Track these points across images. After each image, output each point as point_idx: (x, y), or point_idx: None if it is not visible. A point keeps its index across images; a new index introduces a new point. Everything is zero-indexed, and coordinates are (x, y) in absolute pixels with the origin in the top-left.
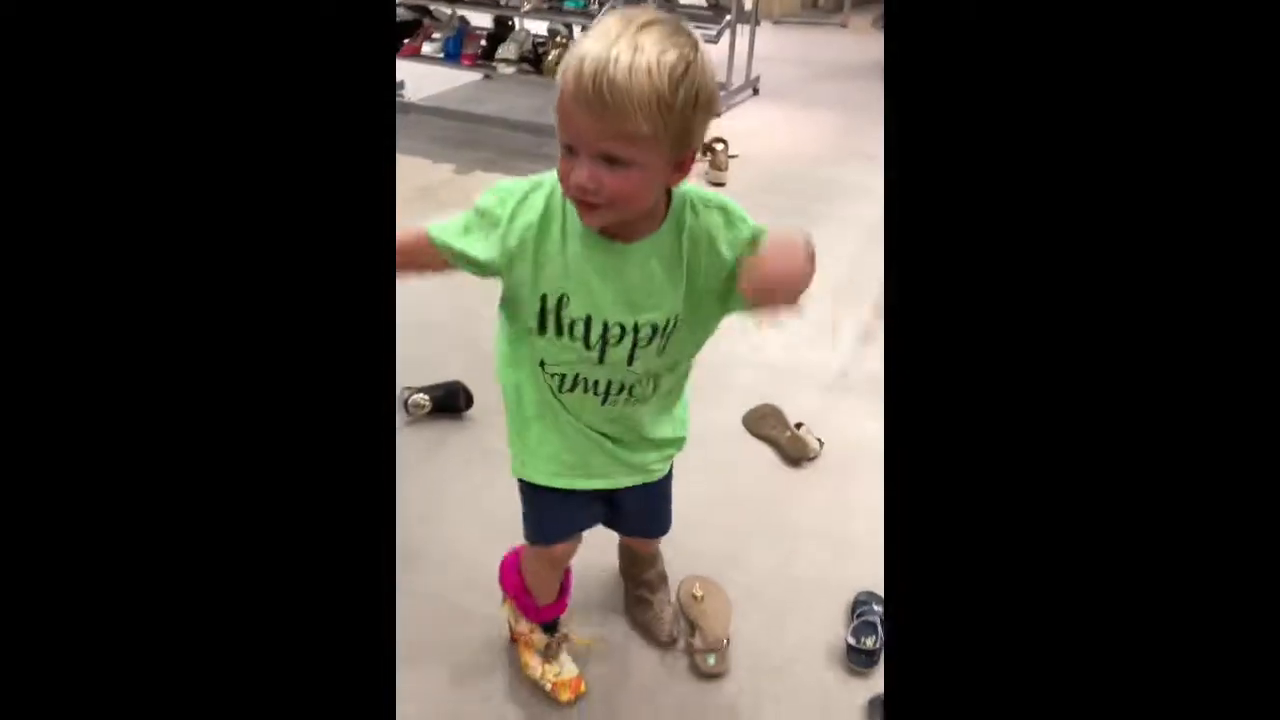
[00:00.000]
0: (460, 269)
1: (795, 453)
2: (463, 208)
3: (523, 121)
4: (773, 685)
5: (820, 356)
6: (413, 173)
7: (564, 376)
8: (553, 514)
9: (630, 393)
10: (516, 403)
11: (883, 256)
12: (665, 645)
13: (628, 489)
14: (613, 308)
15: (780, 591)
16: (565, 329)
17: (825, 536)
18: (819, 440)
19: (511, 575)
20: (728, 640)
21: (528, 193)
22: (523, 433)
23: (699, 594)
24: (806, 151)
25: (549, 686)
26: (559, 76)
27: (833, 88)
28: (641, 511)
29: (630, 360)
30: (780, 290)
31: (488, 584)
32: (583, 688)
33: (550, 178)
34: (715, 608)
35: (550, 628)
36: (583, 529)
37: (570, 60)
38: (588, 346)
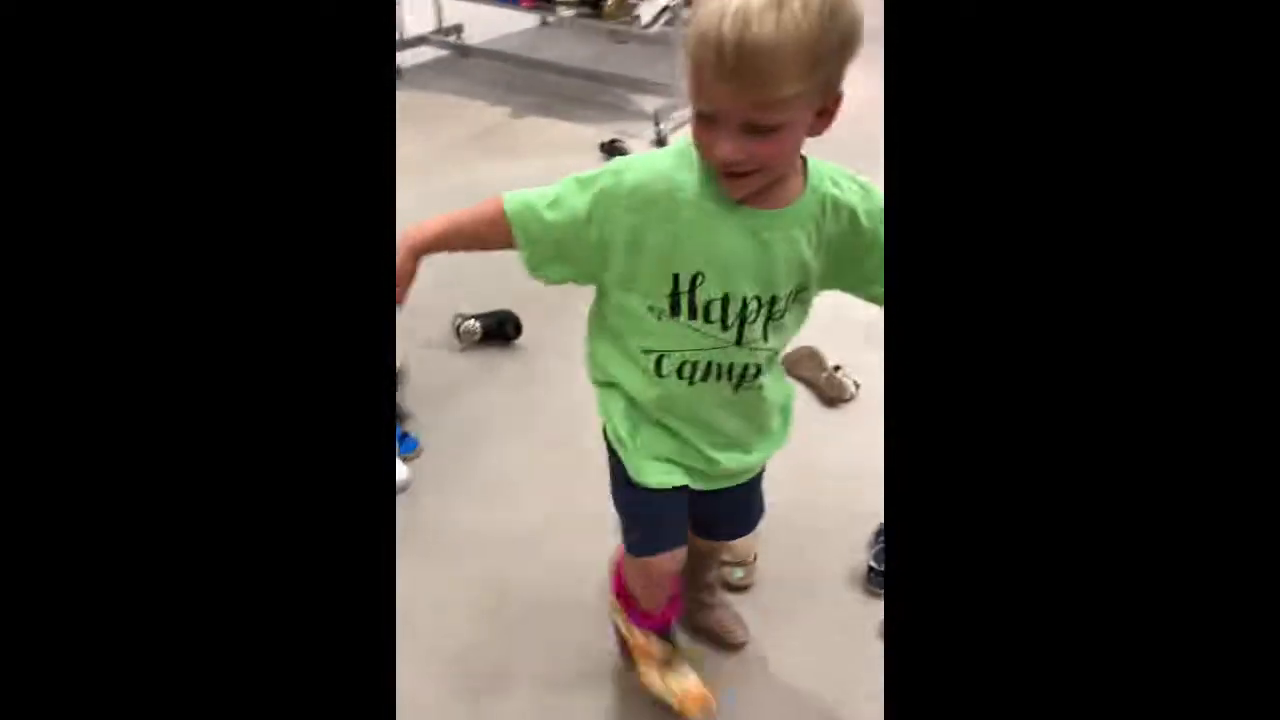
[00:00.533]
0: (530, 256)
1: (832, 393)
2: (517, 150)
3: (579, 69)
4: (794, 602)
5: (858, 303)
6: (470, 114)
7: (695, 365)
8: (661, 520)
9: (760, 374)
10: (626, 408)
11: None
12: (742, 644)
13: (725, 490)
14: (750, 282)
15: (809, 520)
16: (700, 311)
17: (856, 472)
18: (855, 382)
19: (619, 581)
20: (755, 555)
21: (660, 164)
22: (635, 436)
23: None
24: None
25: (674, 702)
26: (690, 31)
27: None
28: (736, 511)
29: (765, 335)
30: None
31: (532, 503)
32: (713, 704)
33: (676, 145)
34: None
35: (665, 635)
36: (685, 537)
37: (702, 19)
38: (724, 327)
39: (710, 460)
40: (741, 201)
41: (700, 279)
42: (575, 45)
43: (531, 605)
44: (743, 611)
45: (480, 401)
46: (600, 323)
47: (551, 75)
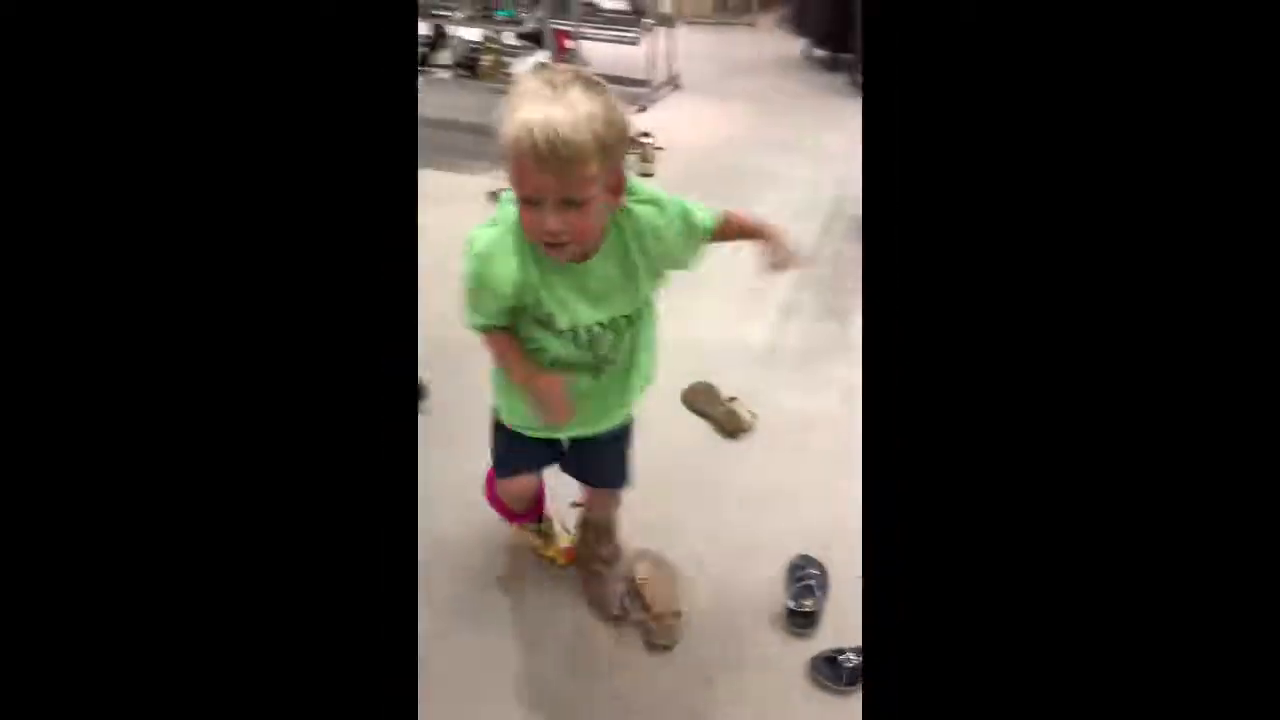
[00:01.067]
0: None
1: (730, 426)
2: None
3: (460, 122)
4: (719, 652)
5: (749, 333)
6: None
7: (559, 361)
8: (514, 451)
9: (616, 362)
10: (506, 382)
11: (803, 236)
12: (615, 619)
13: (588, 441)
14: (589, 313)
15: (721, 559)
16: (558, 335)
17: (760, 504)
18: (751, 413)
19: (491, 490)
20: (677, 613)
21: (492, 253)
22: (505, 384)
23: (644, 575)
24: (727, 141)
25: (550, 555)
26: (510, 144)
27: (746, 82)
28: (594, 461)
29: (615, 346)
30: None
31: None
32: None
33: (504, 222)
34: (663, 583)
35: (538, 521)
36: (539, 467)
37: (516, 132)
38: (577, 346)
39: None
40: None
41: (552, 317)
42: (454, 98)
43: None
44: (672, 669)
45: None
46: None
47: (440, 131)
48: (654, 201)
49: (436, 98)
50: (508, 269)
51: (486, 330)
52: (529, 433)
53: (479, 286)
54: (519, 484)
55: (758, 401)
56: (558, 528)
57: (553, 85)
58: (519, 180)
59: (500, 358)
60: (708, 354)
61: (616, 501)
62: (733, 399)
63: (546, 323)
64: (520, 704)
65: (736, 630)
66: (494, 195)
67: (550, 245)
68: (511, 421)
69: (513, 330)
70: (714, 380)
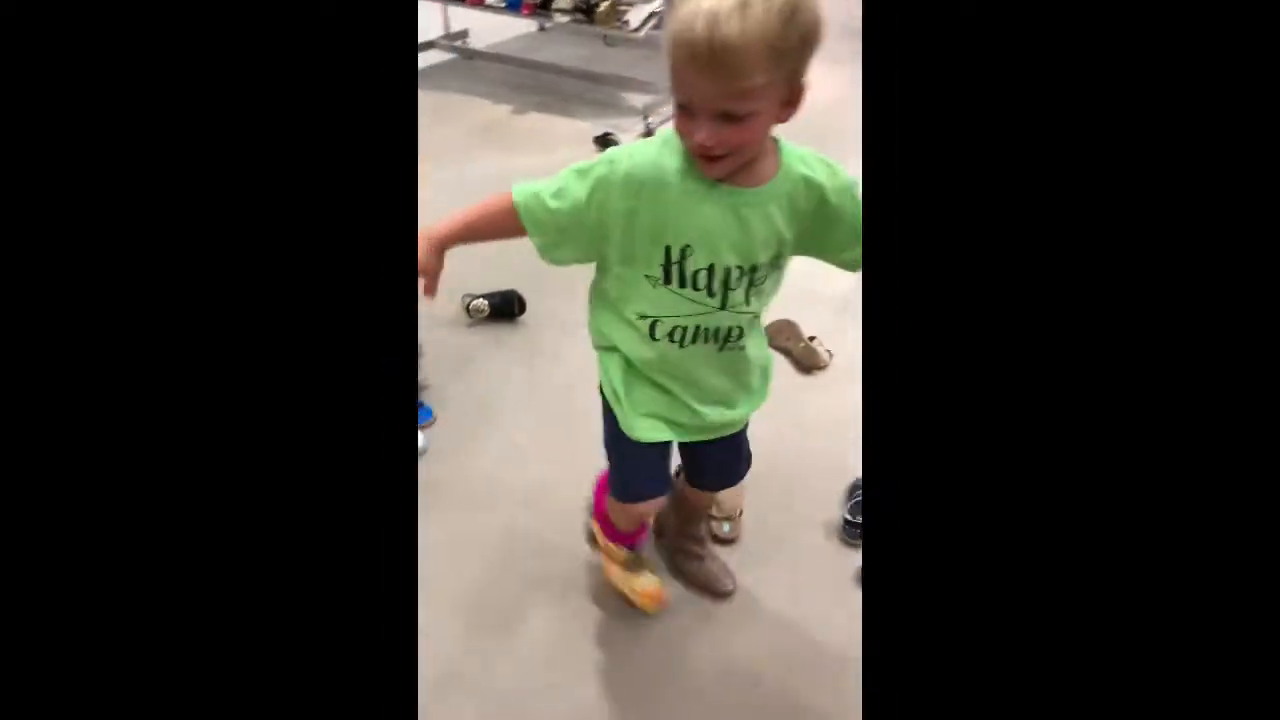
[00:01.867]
0: (540, 238)
1: (807, 361)
2: (518, 143)
3: (574, 69)
4: (777, 552)
5: (831, 280)
6: (475, 111)
7: (684, 330)
8: (641, 473)
9: (742, 336)
10: (624, 369)
11: None
12: (729, 592)
13: (711, 442)
14: (732, 253)
15: (787, 475)
16: (689, 280)
17: (830, 433)
18: (829, 352)
19: (600, 500)
20: (740, 510)
21: (635, 151)
22: (629, 395)
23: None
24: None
25: (635, 597)
26: (668, 33)
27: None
28: (724, 461)
29: (747, 300)
30: None
31: (537, 469)
32: (666, 599)
33: (661, 134)
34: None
35: (632, 549)
36: (666, 490)
37: (677, 22)
38: (710, 294)
39: (696, 413)
40: (720, 181)
41: (689, 250)
42: (571, 48)
43: (536, 551)
44: (730, 560)
45: (489, 373)
46: (601, 294)
47: (549, 75)
48: (825, 163)
49: (553, 45)
50: (656, 167)
51: (548, 254)
52: (661, 437)
53: (608, 172)
54: (643, 509)
55: (836, 343)
56: (647, 569)
57: None
58: (674, 80)
59: (476, 212)
60: (792, 298)
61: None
62: (812, 338)
63: (678, 264)
64: (561, 601)
65: (795, 534)
66: (600, 140)
67: (702, 157)
68: (635, 428)
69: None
70: (797, 321)
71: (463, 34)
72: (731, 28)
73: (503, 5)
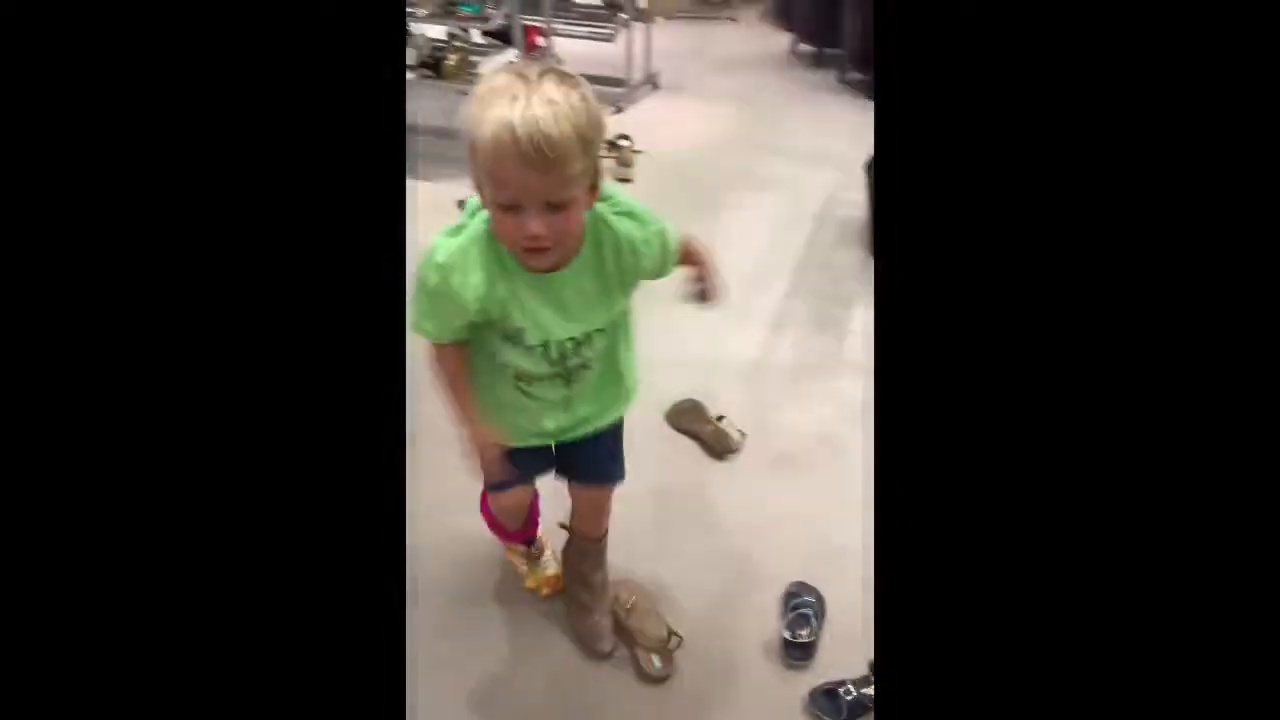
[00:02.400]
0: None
1: (719, 446)
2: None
3: (426, 126)
4: (715, 686)
5: (738, 347)
6: None
7: (531, 375)
8: (502, 464)
9: (586, 367)
10: (481, 386)
11: (792, 244)
12: (605, 654)
13: (577, 443)
14: (562, 328)
15: (713, 586)
16: (528, 350)
17: (751, 529)
18: (740, 432)
19: (485, 506)
20: (669, 639)
21: (459, 258)
22: (483, 403)
23: (629, 603)
24: (709, 143)
25: (531, 583)
26: (486, 145)
27: (728, 80)
28: (591, 456)
29: (586, 361)
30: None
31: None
32: (561, 586)
33: (471, 231)
34: (648, 611)
35: (528, 542)
36: (531, 479)
37: (495, 128)
38: (548, 362)
39: (547, 426)
40: (533, 268)
41: (521, 333)
42: (420, 101)
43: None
44: (664, 704)
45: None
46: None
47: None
48: (632, 214)
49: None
50: (474, 281)
51: (439, 343)
52: (516, 444)
53: (441, 296)
54: (512, 497)
55: (748, 419)
56: (547, 554)
57: (525, 80)
58: (499, 184)
59: (448, 384)
60: (695, 371)
61: (606, 509)
62: (720, 417)
63: (515, 338)
64: None
65: (730, 662)
66: (462, 204)
67: (530, 250)
68: (501, 439)
69: (466, 345)
70: (703, 398)
71: None
72: (550, 126)
73: None
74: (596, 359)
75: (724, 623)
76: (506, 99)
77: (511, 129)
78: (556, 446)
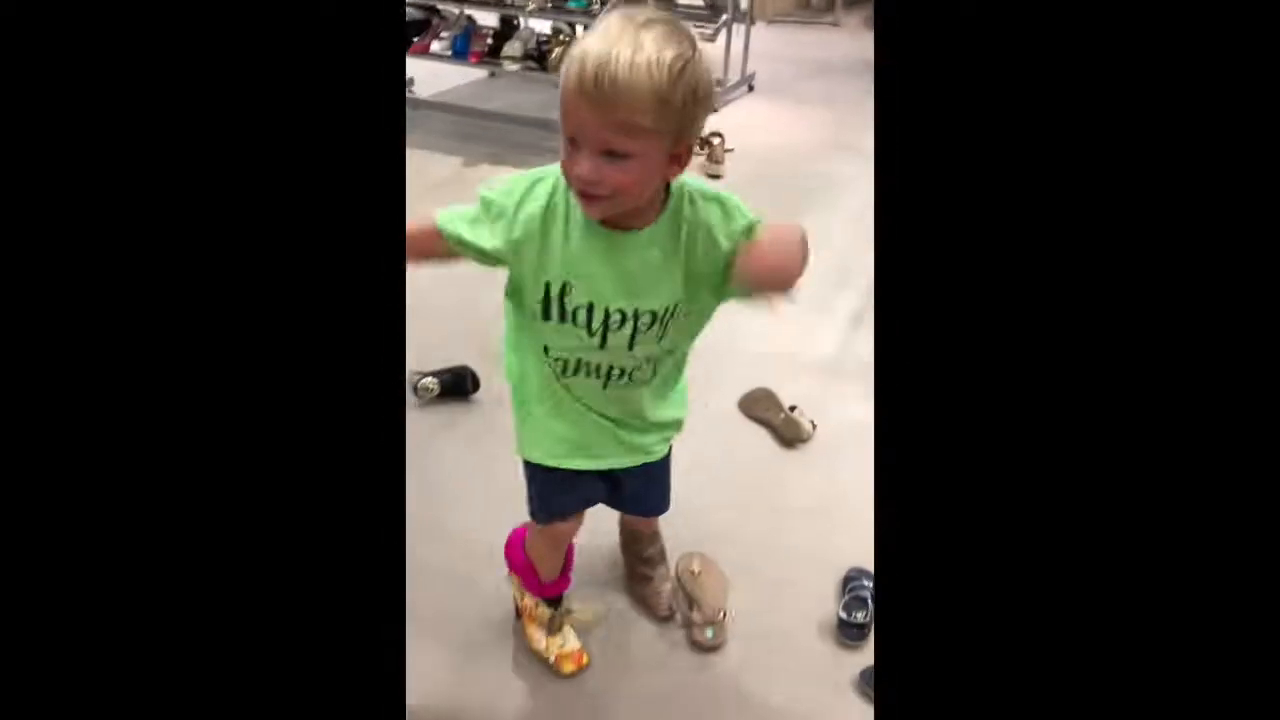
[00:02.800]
0: (467, 258)
1: (789, 434)
2: (469, 200)
3: (527, 117)
4: (768, 658)
5: (813, 342)
6: (421, 166)
7: (566, 362)
8: (554, 493)
9: (630, 377)
10: (520, 386)
11: (872, 244)
12: (664, 619)
13: (628, 469)
14: (613, 295)
15: (774, 567)
16: (568, 316)
17: (817, 514)
18: (812, 422)
19: (516, 552)
20: (724, 613)
21: (532, 184)
22: (526, 415)
23: (696, 570)
24: (799, 145)
25: (552, 659)
26: (562, 72)
27: (823, 85)
28: (641, 491)
29: (631, 345)
30: (774, 278)
31: (494, 558)
32: (585, 660)
33: (554, 170)
34: (712, 582)
35: (554, 603)
36: (583, 508)
37: (572, 57)
38: (589, 333)
39: (592, 443)
40: (602, 223)
41: (569, 288)
42: (522, 94)
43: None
44: (719, 669)
45: (442, 461)
46: (507, 313)
47: (500, 124)
48: (721, 203)
49: (504, 93)
50: (530, 209)
51: (442, 228)
52: (564, 464)
53: (490, 205)
54: (561, 529)
55: (820, 412)
56: (568, 625)
57: (629, 21)
58: (564, 113)
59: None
60: (772, 362)
61: (654, 521)
62: (793, 407)
63: (558, 300)
64: (553, 699)
65: (786, 638)
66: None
67: (581, 194)
68: (535, 455)
69: (446, 254)
70: (777, 389)
71: (408, 82)
72: (620, 63)
73: (449, 54)
74: (642, 373)
75: (784, 601)
76: (601, 34)
77: (583, 60)
78: (608, 475)
